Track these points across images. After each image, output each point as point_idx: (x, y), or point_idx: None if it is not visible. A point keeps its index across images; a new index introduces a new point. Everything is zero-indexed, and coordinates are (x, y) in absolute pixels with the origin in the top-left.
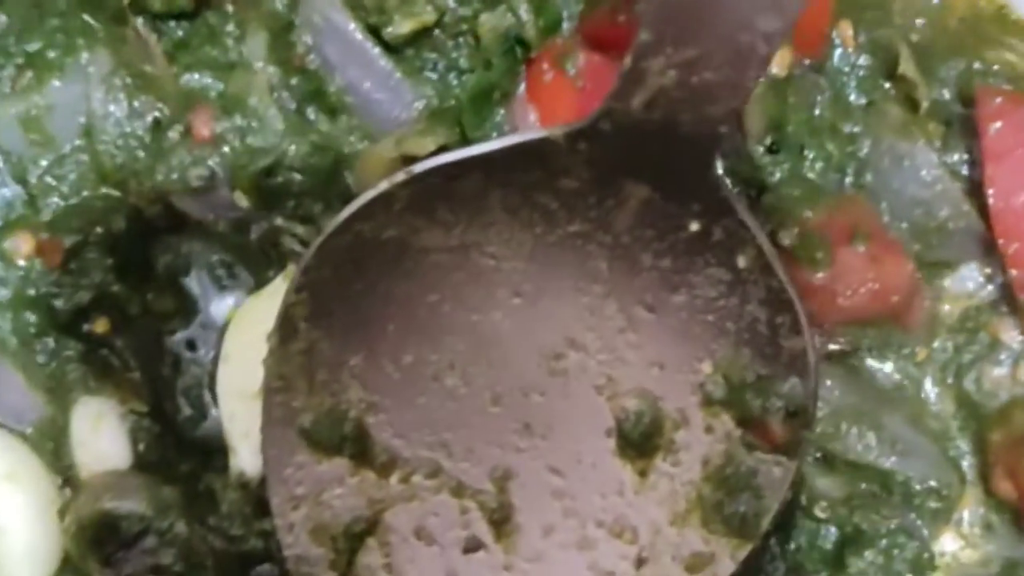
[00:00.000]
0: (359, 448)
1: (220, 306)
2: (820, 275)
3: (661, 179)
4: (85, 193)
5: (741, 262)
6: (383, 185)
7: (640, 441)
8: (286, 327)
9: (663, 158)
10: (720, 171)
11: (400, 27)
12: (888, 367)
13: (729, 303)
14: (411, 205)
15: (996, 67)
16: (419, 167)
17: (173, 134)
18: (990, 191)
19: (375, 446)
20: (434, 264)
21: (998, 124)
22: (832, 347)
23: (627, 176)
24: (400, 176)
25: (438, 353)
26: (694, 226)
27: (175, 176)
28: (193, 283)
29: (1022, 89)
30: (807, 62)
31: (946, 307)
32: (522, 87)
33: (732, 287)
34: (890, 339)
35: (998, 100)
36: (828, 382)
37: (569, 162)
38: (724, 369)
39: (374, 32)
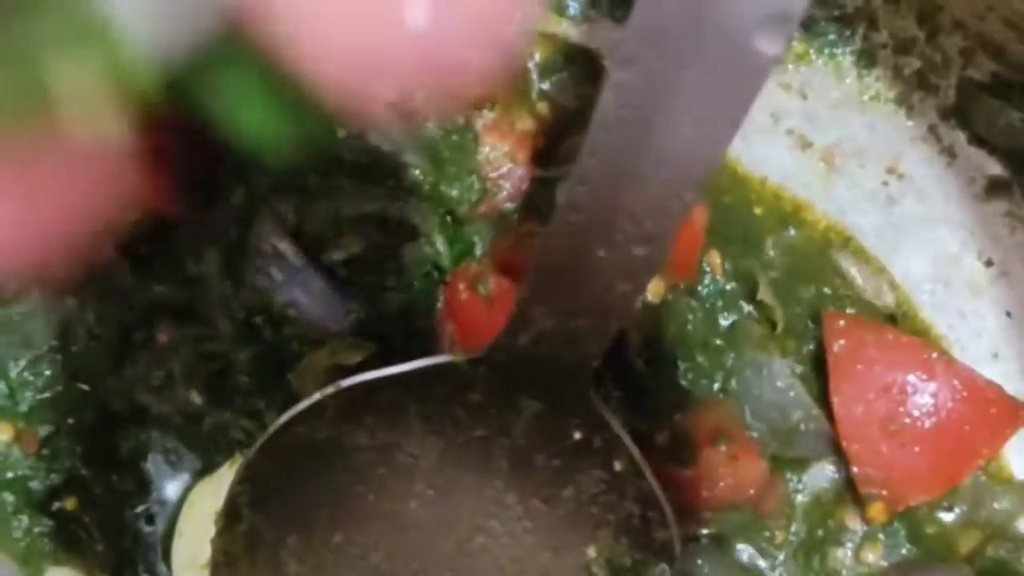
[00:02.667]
0: None
1: (173, 486)
2: (687, 472)
3: (548, 398)
4: (59, 388)
5: (617, 466)
6: (316, 396)
7: None
8: (231, 511)
9: (548, 382)
10: (594, 393)
11: (334, 254)
12: (751, 548)
13: (609, 499)
14: (340, 412)
15: (842, 292)
16: (346, 382)
17: (138, 337)
18: (835, 399)
19: None
20: (361, 461)
21: (841, 342)
22: (703, 532)
23: (521, 393)
24: (330, 389)
25: (364, 535)
26: (577, 435)
27: (138, 375)
28: (150, 466)
29: (863, 313)
30: (681, 286)
31: (800, 497)
32: (441, 304)
33: (611, 486)
34: (752, 524)
35: (841, 323)
36: (699, 560)
37: (472, 381)
38: (606, 553)
39: (312, 257)
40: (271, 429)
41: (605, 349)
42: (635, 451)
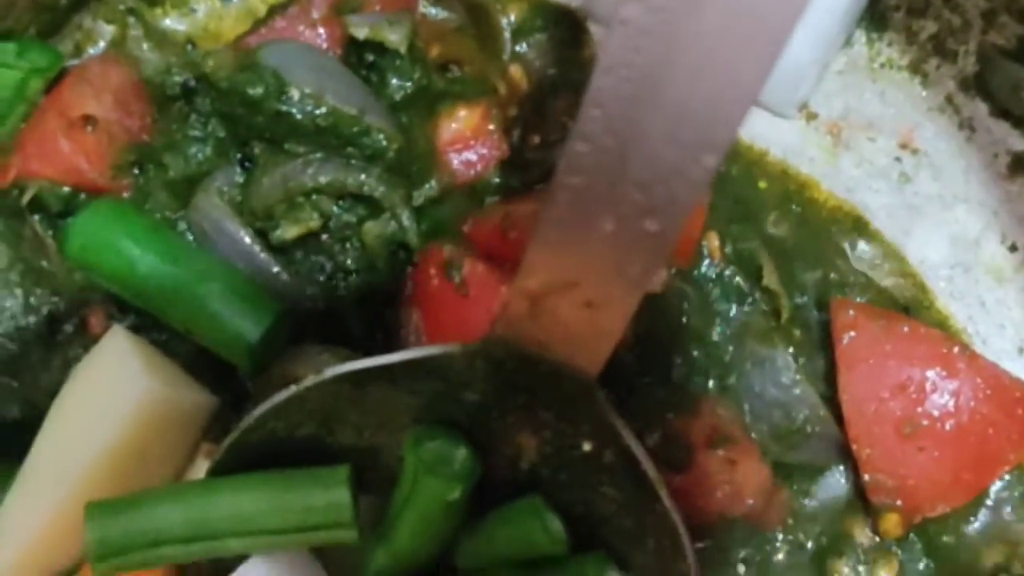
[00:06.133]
0: None
1: None
2: (680, 477)
3: (553, 403)
4: None
5: (629, 486)
6: (292, 388)
7: None
8: None
9: (552, 385)
10: (604, 399)
11: (286, 232)
12: (751, 563)
13: (624, 522)
14: (322, 407)
15: (851, 278)
16: (328, 372)
17: (68, 328)
18: (844, 398)
19: None
20: (347, 462)
21: (851, 334)
22: (697, 545)
23: (523, 395)
24: (309, 380)
25: None
26: (587, 447)
27: (70, 369)
28: None
29: (874, 301)
30: (673, 270)
31: (806, 508)
32: (408, 290)
33: (624, 507)
34: (751, 537)
35: (851, 312)
36: None
37: (469, 377)
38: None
39: (262, 235)
40: (242, 424)
41: (615, 344)
42: (651, 467)
